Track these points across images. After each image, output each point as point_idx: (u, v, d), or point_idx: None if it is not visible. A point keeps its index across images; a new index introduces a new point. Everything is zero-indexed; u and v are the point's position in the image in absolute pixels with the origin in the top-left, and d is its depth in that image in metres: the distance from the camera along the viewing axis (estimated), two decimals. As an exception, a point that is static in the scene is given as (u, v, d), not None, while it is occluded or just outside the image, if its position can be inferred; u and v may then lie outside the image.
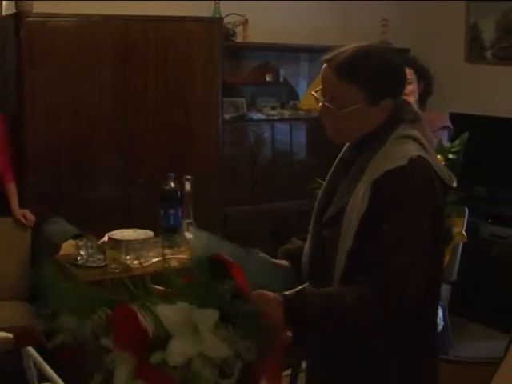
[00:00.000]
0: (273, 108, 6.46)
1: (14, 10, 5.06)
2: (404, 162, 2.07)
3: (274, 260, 2.35)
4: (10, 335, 2.76)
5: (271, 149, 6.46)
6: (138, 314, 1.74)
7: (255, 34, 6.18)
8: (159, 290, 1.92)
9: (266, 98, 6.54)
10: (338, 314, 2.02)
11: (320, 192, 2.39)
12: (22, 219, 4.97)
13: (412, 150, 2.12)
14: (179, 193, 4.12)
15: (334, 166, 2.39)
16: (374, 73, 2.17)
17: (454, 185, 2.23)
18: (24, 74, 5.05)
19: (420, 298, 2.03)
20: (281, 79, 6.40)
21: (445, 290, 4.58)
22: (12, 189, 5.03)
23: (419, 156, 2.10)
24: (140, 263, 3.79)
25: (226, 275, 1.90)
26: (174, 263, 3.92)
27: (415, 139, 2.17)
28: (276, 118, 6.43)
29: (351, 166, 2.23)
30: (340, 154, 2.38)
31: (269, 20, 6.25)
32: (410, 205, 2.05)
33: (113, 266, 3.80)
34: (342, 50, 2.20)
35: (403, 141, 2.16)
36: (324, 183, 2.40)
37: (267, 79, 6.43)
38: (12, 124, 5.11)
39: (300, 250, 2.38)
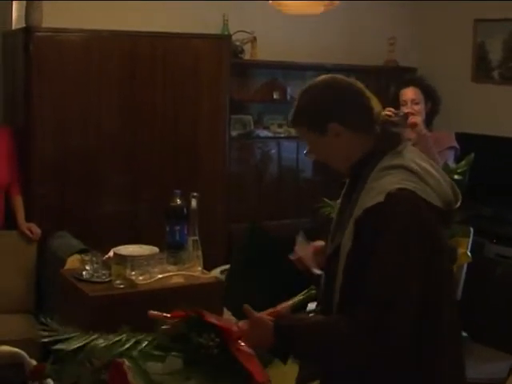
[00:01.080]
0: (279, 126, 6.47)
1: (24, 25, 5.07)
2: (381, 198, 2.07)
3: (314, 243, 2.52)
4: (15, 349, 2.75)
5: (277, 166, 6.47)
6: (128, 370, 1.86)
7: (263, 52, 6.20)
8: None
9: (273, 116, 6.55)
10: (324, 348, 2.08)
11: (333, 221, 2.41)
12: (28, 232, 4.98)
13: (392, 182, 2.11)
14: (185, 209, 4.12)
15: (341, 196, 2.42)
16: (308, 107, 2.26)
17: (457, 205, 2.23)
18: (32, 87, 5.07)
19: (406, 332, 2.03)
20: (288, 97, 6.41)
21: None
22: (18, 202, 5.04)
23: (398, 189, 2.08)
24: (145, 279, 3.81)
25: (207, 328, 2.02)
26: (178, 280, 3.95)
27: (402, 167, 2.16)
28: (283, 135, 6.44)
29: (351, 197, 2.25)
30: (346, 183, 2.41)
31: (277, 38, 6.27)
32: (390, 239, 2.05)
33: (118, 281, 3.80)
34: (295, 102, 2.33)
35: (385, 173, 2.16)
36: (334, 214, 2.42)
37: (274, 97, 6.44)
38: (19, 137, 5.12)
39: None
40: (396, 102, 4.68)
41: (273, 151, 6.45)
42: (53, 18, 5.13)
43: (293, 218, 6.23)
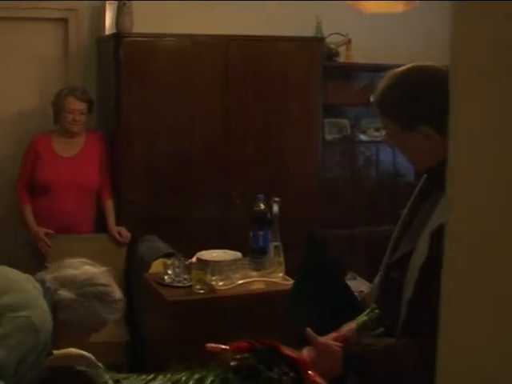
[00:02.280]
0: (376, 129, 6.33)
1: (115, 30, 5.13)
2: None
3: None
4: (83, 352, 2.76)
5: (375, 171, 6.34)
6: None
7: (359, 54, 6.09)
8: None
9: (370, 119, 6.42)
10: (393, 376, 1.99)
11: (398, 225, 2.29)
12: (118, 236, 5.03)
13: None
14: (269, 214, 4.07)
15: (412, 199, 2.27)
16: (400, 101, 2.09)
17: None
18: (122, 93, 5.12)
19: None
20: (385, 100, 6.25)
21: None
22: (109, 206, 5.11)
23: None
24: (225, 284, 3.77)
25: (278, 361, 1.91)
26: (259, 286, 3.90)
27: None
28: (380, 139, 6.30)
29: (426, 201, 2.13)
30: (419, 185, 2.28)
31: (373, 39, 6.15)
32: None
33: (198, 286, 3.79)
34: (382, 80, 2.17)
35: None
36: (402, 216, 2.30)
37: (371, 100, 6.28)
38: (112, 142, 5.19)
39: None
40: None
41: (370, 155, 6.33)
42: (144, 23, 5.17)
43: (390, 225, 6.07)
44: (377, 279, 2.29)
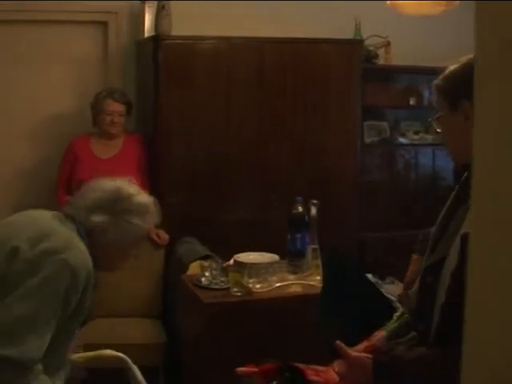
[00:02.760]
0: (416, 132, 6.28)
1: (154, 33, 5.15)
2: None
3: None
4: (119, 354, 2.76)
5: (414, 174, 6.29)
6: None
7: (398, 56, 6.04)
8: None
9: (410, 122, 6.37)
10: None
11: (435, 227, 2.27)
12: (156, 238, 5.03)
13: None
14: (307, 217, 4.05)
15: (449, 201, 2.25)
16: (448, 79, 2.13)
17: None
18: (160, 96, 5.13)
19: None
20: (425, 102, 6.20)
21: None
22: (148, 209, 5.11)
23: None
24: (262, 287, 3.76)
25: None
26: (296, 289, 3.88)
27: None
28: (419, 142, 6.25)
29: (462, 202, 2.08)
30: (456, 186, 2.25)
31: (412, 41, 6.08)
32: None
33: (235, 289, 3.78)
34: (448, 69, 2.19)
35: None
36: (438, 219, 2.27)
37: (411, 103, 6.26)
38: (150, 144, 5.20)
39: None
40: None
41: (409, 158, 6.28)
42: (183, 25, 5.18)
43: (428, 228, 6.01)
44: (417, 283, 2.26)
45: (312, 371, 1.95)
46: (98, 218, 2.46)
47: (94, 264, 2.48)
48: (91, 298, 2.45)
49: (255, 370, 2.04)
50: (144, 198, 2.58)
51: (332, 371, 2.04)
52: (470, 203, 1.98)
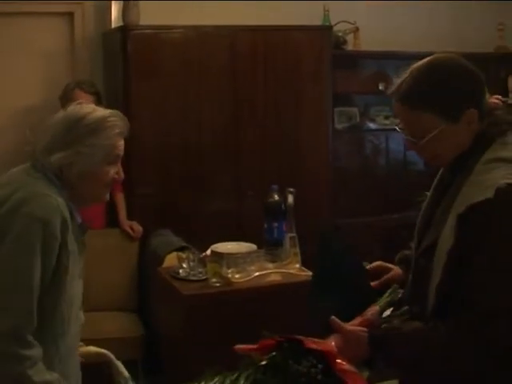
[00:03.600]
0: (386, 117, 6.29)
1: (122, 23, 5.09)
2: (490, 194, 1.90)
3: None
4: (101, 350, 2.72)
5: (385, 159, 6.31)
6: None
7: (366, 42, 6.04)
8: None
9: (379, 107, 6.38)
10: (422, 358, 1.96)
11: (420, 216, 2.26)
12: (130, 230, 5.00)
13: (501, 176, 1.93)
14: (283, 205, 4.02)
15: (432, 188, 2.26)
16: (442, 89, 2.03)
17: None
18: (131, 86, 5.09)
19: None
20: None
21: None
22: (120, 199, 5.07)
23: (508, 184, 1.91)
24: (241, 277, 3.73)
25: (304, 354, 1.91)
26: (275, 278, 3.86)
27: (508, 160, 1.98)
28: (390, 127, 6.26)
29: (448, 189, 2.10)
30: (438, 175, 2.26)
31: (380, 27, 6.10)
32: (500, 240, 1.89)
33: (214, 279, 3.74)
34: (403, 78, 2.06)
35: (492, 166, 1.98)
36: (423, 205, 2.27)
37: (380, 88, 6.25)
38: (120, 136, 5.14)
39: None
40: (506, 90, 4.48)
41: (380, 144, 6.29)
42: (151, 15, 5.13)
43: (400, 212, 6.03)
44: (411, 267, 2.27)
45: (310, 341, 1.94)
46: (58, 156, 2.31)
47: (83, 201, 2.40)
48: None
49: (254, 346, 2.02)
50: (99, 113, 2.38)
51: (330, 342, 2.03)
52: (459, 185, 2.00)
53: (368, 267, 2.46)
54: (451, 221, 1.97)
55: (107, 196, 2.50)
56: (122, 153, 2.45)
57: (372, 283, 2.40)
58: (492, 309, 1.87)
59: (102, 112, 2.39)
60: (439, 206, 2.13)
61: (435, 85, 2.03)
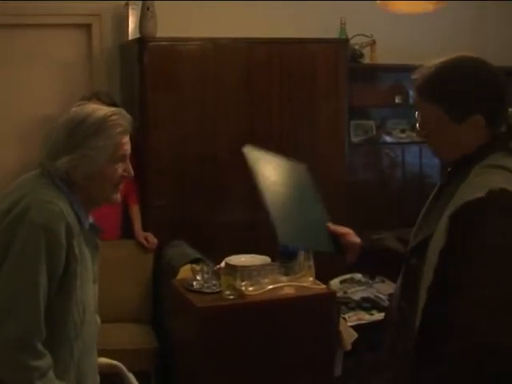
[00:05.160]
0: (402, 131, 6.28)
1: (139, 35, 5.11)
2: (481, 194, 1.91)
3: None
4: (113, 361, 2.71)
5: (401, 172, 6.30)
6: None
7: (383, 55, 6.03)
8: None
9: (396, 120, 6.37)
10: None
11: (420, 215, 2.28)
12: (145, 242, 5.00)
13: (496, 180, 1.95)
14: (298, 218, 4.01)
15: (435, 190, 2.28)
16: (454, 88, 2.05)
17: None
18: (147, 97, 5.10)
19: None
20: (410, 100, 6.20)
21: None
22: (136, 211, 5.08)
23: (502, 189, 1.92)
24: (255, 290, 3.73)
25: None
26: (289, 291, 3.85)
27: (505, 168, 1.99)
28: (406, 140, 6.25)
29: (445, 190, 2.13)
30: (440, 180, 2.29)
31: (397, 40, 6.09)
32: (489, 238, 1.89)
33: (227, 292, 3.75)
34: (427, 67, 2.11)
35: (490, 170, 2.00)
36: (424, 208, 2.28)
37: (397, 101, 6.26)
38: (137, 147, 5.14)
39: (381, 249, 2.48)
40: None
41: (396, 157, 6.27)
42: (168, 27, 5.14)
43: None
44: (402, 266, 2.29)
45: None
46: (62, 161, 2.30)
47: (93, 203, 2.41)
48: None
49: None
50: (100, 112, 2.36)
51: None
52: (455, 187, 2.00)
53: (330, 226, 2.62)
54: (443, 221, 1.98)
55: (118, 196, 2.48)
56: (128, 150, 2.43)
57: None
58: (480, 298, 1.87)
59: (103, 111, 2.37)
60: (436, 205, 2.14)
61: (449, 82, 2.06)
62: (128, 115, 2.43)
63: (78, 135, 2.32)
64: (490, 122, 2.05)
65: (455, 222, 1.94)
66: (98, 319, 2.53)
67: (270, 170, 2.67)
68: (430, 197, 2.27)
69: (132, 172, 2.45)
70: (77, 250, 2.26)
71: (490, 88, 2.07)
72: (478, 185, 1.95)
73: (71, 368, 2.29)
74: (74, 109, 2.40)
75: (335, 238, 2.56)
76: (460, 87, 2.05)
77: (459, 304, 1.89)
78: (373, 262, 2.54)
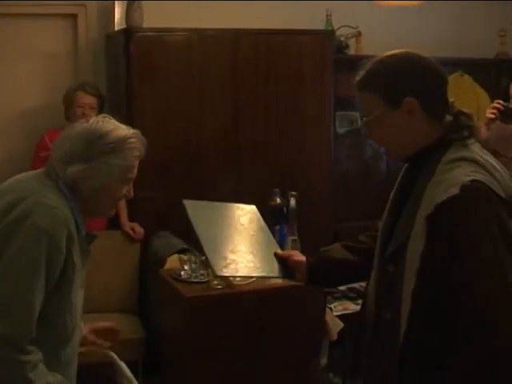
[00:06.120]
0: (387, 122, 6.30)
1: (125, 26, 5.10)
2: (455, 191, 1.92)
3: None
4: (104, 350, 2.73)
5: (386, 163, 6.32)
6: None
7: (369, 47, 6.04)
8: None
9: (381, 112, 6.39)
10: None
11: (383, 220, 2.28)
12: (131, 232, 5.01)
13: (464, 174, 1.97)
14: (285, 209, 4.04)
15: (394, 191, 2.28)
16: (387, 74, 2.11)
17: None
18: (133, 88, 5.10)
19: None
20: (395, 92, 6.22)
21: None
22: (121, 202, 5.06)
23: (472, 180, 1.94)
24: (243, 279, 3.74)
25: None
26: (277, 280, 3.86)
27: (471, 160, 2.02)
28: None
29: (410, 190, 2.11)
30: (399, 176, 2.29)
31: (382, 32, 6.09)
32: (472, 236, 1.91)
33: (215, 282, 3.77)
34: (365, 64, 2.18)
35: (454, 165, 2.02)
36: (386, 211, 2.29)
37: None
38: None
39: (328, 261, 2.53)
40: (507, 95, 4.50)
41: (380, 148, 6.28)
42: (154, 18, 5.14)
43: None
44: (372, 279, 2.26)
45: None
46: (74, 169, 2.30)
47: (90, 214, 2.41)
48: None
49: None
50: (121, 132, 2.37)
51: None
52: (421, 187, 2.01)
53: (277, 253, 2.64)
54: (419, 223, 1.98)
55: (114, 212, 2.53)
56: (135, 174, 2.46)
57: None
58: (483, 308, 1.88)
59: (123, 131, 2.38)
60: (403, 208, 2.13)
61: (383, 70, 2.12)
62: (145, 139, 2.44)
63: (96, 148, 2.32)
64: (425, 108, 2.07)
65: (433, 223, 1.95)
66: (82, 325, 2.54)
67: (209, 216, 2.90)
68: (392, 195, 2.28)
69: (132, 194, 2.48)
70: (75, 257, 2.28)
71: (423, 73, 2.11)
72: (448, 183, 1.96)
73: (59, 373, 2.29)
74: (95, 120, 2.40)
75: (284, 262, 2.58)
76: (392, 74, 2.10)
77: (465, 304, 1.90)
78: (323, 276, 2.56)
